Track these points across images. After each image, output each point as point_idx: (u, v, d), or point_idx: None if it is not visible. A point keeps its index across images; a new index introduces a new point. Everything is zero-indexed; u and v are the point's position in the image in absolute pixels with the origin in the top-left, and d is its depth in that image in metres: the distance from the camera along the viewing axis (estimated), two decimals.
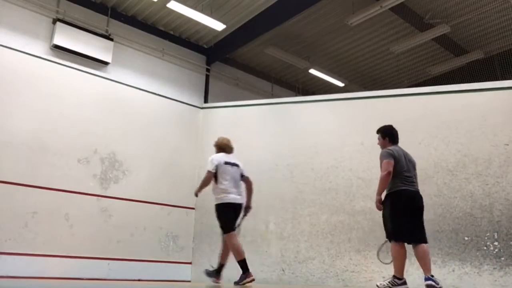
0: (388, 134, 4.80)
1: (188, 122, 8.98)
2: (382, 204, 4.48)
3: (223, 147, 5.51)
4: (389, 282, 4.30)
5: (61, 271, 6.77)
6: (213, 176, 5.21)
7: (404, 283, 4.38)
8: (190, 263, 8.18)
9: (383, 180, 4.45)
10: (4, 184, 6.58)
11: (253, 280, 5.00)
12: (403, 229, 4.32)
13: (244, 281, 4.96)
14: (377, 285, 4.32)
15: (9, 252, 6.42)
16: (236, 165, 5.38)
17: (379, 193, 4.46)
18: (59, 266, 6.78)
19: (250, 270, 5.05)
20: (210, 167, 5.21)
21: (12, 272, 6.24)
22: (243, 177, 5.41)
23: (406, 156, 4.67)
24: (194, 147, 8.78)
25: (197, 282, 7.84)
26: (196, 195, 5.52)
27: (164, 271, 7.80)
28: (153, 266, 7.69)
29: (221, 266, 5.40)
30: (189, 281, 7.93)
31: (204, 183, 5.29)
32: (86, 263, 7.01)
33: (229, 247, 5.20)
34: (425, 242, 4.40)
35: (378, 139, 4.87)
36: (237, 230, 5.20)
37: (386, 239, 4.54)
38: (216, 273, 5.40)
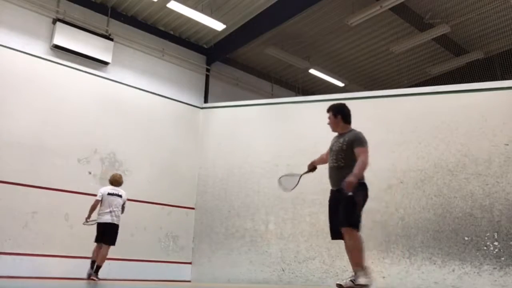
0: (341, 113, 4.26)
1: (188, 122, 8.98)
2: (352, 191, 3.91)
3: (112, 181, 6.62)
4: (352, 280, 3.82)
5: (61, 271, 6.77)
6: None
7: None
8: (190, 263, 8.18)
9: (365, 168, 3.98)
10: (4, 184, 6.58)
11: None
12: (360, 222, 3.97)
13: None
14: (340, 284, 3.79)
15: (9, 252, 6.42)
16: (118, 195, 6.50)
17: (357, 177, 3.89)
18: (59, 266, 6.78)
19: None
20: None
21: (12, 272, 6.24)
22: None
23: None
24: (194, 147, 8.78)
25: (197, 282, 7.84)
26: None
27: (164, 271, 7.80)
28: (153, 266, 7.69)
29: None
30: (189, 281, 7.93)
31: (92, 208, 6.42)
32: (86, 263, 7.00)
33: None
34: None
35: (329, 118, 4.29)
36: None
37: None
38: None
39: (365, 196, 4.07)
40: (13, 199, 6.61)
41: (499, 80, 7.15)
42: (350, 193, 3.87)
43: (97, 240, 6.36)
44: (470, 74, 9.38)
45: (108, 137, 7.80)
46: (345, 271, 6.54)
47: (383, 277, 6.29)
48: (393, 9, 8.78)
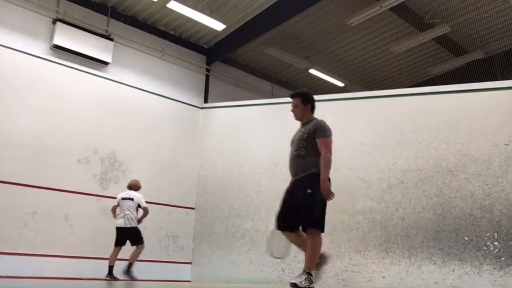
0: (311, 101, 4.00)
1: (188, 122, 8.98)
2: (311, 188, 3.63)
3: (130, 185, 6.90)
4: (306, 279, 3.58)
5: (61, 271, 6.77)
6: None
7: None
8: (190, 263, 8.18)
9: (329, 162, 3.66)
10: (4, 184, 6.58)
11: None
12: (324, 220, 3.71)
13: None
14: (294, 283, 3.54)
15: (9, 252, 6.42)
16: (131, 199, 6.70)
17: (327, 177, 3.62)
18: (59, 266, 6.78)
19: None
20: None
21: (12, 272, 6.24)
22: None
23: None
24: (194, 147, 8.78)
25: (197, 282, 7.84)
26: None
27: (164, 271, 7.80)
28: (153, 266, 7.69)
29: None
30: (189, 281, 7.93)
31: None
32: (86, 263, 7.01)
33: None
34: None
35: (296, 105, 3.98)
36: None
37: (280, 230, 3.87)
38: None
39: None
40: (13, 199, 6.61)
41: (499, 80, 7.15)
42: (309, 191, 3.61)
43: (115, 243, 6.52)
44: (470, 74, 9.38)
45: (108, 137, 7.79)
46: (345, 271, 6.54)
47: (383, 277, 6.29)
48: (393, 9, 8.78)
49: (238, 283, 7.29)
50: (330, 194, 3.63)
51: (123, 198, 6.66)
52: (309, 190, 3.63)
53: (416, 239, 6.19)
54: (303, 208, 3.65)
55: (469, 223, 5.92)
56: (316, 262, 3.75)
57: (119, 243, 6.50)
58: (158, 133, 8.46)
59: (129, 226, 6.52)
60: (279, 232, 3.86)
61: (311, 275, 3.62)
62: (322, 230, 3.72)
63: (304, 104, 3.99)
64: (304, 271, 3.62)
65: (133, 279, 6.45)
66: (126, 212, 6.55)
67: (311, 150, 3.75)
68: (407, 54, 10.24)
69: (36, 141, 7.00)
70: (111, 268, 6.43)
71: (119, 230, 6.51)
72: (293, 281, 3.53)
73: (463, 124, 6.32)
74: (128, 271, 6.42)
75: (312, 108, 4.04)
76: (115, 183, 7.72)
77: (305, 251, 3.78)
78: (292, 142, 3.98)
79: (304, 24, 9.44)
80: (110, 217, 7.45)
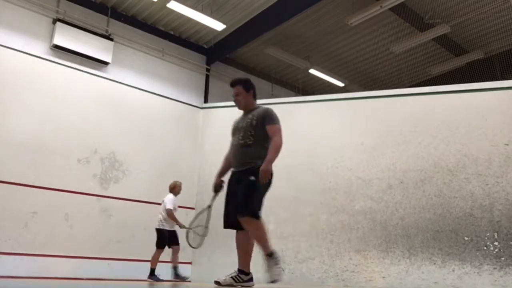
0: (253, 88, 3.87)
1: (188, 122, 8.98)
2: (253, 171, 3.49)
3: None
4: (274, 263, 3.48)
5: (61, 271, 6.77)
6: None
7: (251, 279, 3.71)
8: (190, 263, 8.18)
9: (279, 150, 3.54)
10: (4, 184, 6.58)
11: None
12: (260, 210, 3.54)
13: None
14: (218, 281, 3.49)
15: (9, 252, 6.42)
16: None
17: (272, 162, 3.50)
18: (59, 266, 6.78)
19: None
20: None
21: (12, 272, 6.24)
22: None
23: None
24: (194, 147, 8.78)
25: (197, 282, 7.84)
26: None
27: (164, 271, 7.80)
28: None
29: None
30: (189, 281, 7.92)
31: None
32: (86, 263, 7.01)
33: None
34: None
35: (238, 93, 3.81)
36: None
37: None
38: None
39: (268, 182, 3.58)
40: (13, 199, 6.61)
41: (499, 80, 7.14)
42: (252, 178, 3.43)
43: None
44: (470, 74, 9.38)
45: (108, 137, 7.79)
46: (345, 271, 6.54)
47: (383, 277, 6.29)
48: (393, 9, 8.78)
49: None
50: (267, 177, 3.42)
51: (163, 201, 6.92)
52: (252, 178, 3.45)
53: (416, 239, 6.19)
54: (242, 195, 3.48)
55: (469, 223, 5.92)
56: (267, 241, 3.57)
57: (156, 244, 6.77)
58: (158, 133, 8.46)
59: (156, 227, 6.73)
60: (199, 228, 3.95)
61: (274, 254, 3.52)
62: (257, 218, 3.53)
63: (246, 91, 3.82)
64: (266, 255, 3.50)
65: (182, 279, 6.77)
66: (159, 215, 6.79)
67: (258, 139, 3.57)
68: (407, 54, 10.23)
69: (36, 141, 7.00)
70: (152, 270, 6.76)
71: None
72: (271, 280, 3.42)
73: (463, 124, 6.32)
74: (175, 274, 6.75)
75: (255, 95, 3.88)
76: (115, 183, 7.72)
77: (244, 253, 3.66)
78: (237, 130, 3.75)
79: (304, 24, 9.44)
80: (109, 217, 7.52)
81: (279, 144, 3.53)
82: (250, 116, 3.71)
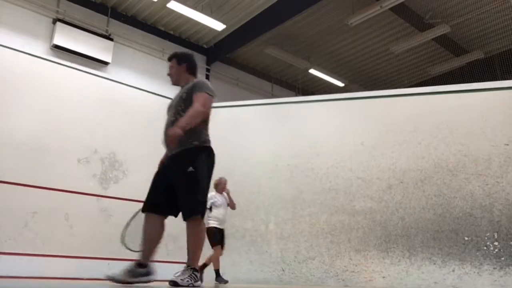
0: (188, 60, 3.59)
1: None
2: (193, 166, 3.13)
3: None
4: (189, 277, 3.10)
5: (61, 271, 6.76)
6: None
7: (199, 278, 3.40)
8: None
9: (197, 117, 3.13)
10: (4, 184, 6.57)
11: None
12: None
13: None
14: (175, 282, 3.02)
15: (9, 252, 6.41)
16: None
17: (184, 128, 3.06)
18: (59, 266, 6.78)
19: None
20: None
21: (12, 272, 6.23)
22: None
23: None
24: None
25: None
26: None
27: (164, 271, 7.79)
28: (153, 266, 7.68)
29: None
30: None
31: None
32: (86, 263, 7.00)
33: None
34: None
35: (171, 67, 3.64)
36: None
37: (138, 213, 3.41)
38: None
39: (210, 166, 3.26)
40: (13, 199, 6.60)
41: (499, 80, 7.15)
42: (190, 169, 3.02)
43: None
44: (470, 74, 9.39)
45: (108, 137, 7.79)
46: (345, 271, 6.55)
47: (383, 277, 6.29)
48: (393, 9, 8.79)
49: (238, 283, 7.29)
50: (171, 142, 3.05)
51: None
52: (190, 169, 3.06)
53: (416, 239, 6.19)
54: (183, 191, 3.08)
55: (469, 223, 5.92)
56: (200, 254, 3.20)
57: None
58: (158, 133, 8.44)
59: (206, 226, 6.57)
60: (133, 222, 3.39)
61: (197, 271, 3.12)
62: (203, 215, 3.18)
63: (178, 64, 3.54)
64: (188, 266, 3.11)
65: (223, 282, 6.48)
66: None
67: None
68: (407, 54, 10.24)
69: (36, 141, 7.00)
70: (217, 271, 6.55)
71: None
72: (174, 279, 3.01)
73: (463, 124, 6.32)
74: (217, 277, 6.52)
75: (191, 70, 3.52)
76: (115, 183, 7.71)
77: (154, 243, 3.34)
78: (169, 108, 3.46)
79: (304, 24, 9.45)
80: (109, 217, 7.48)
81: (198, 111, 3.10)
82: (182, 90, 3.41)
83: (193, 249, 3.18)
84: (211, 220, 6.63)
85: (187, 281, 3.00)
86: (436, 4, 8.84)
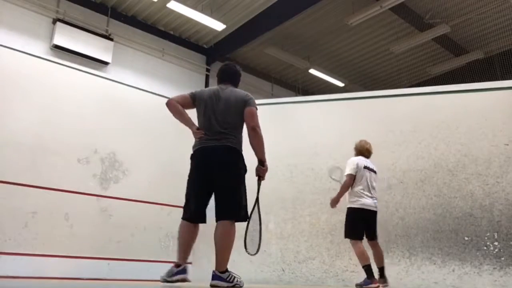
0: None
1: None
2: (238, 159, 3.65)
3: (363, 151, 5.44)
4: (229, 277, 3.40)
5: (61, 271, 6.77)
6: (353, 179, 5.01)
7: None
8: (190, 263, 8.16)
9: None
10: (4, 184, 6.58)
11: (378, 286, 4.96)
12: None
13: (369, 286, 4.98)
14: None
15: (9, 252, 6.42)
16: (374, 171, 5.35)
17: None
18: (59, 266, 6.78)
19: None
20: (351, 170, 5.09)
21: (12, 272, 6.24)
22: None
23: None
24: None
25: (197, 282, 7.83)
26: (334, 205, 5.21)
27: (164, 271, 7.80)
28: (153, 266, 7.67)
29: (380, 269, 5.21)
30: (189, 281, 7.92)
31: (345, 188, 5.18)
32: (86, 263, 7.00)
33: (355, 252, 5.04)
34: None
35: None
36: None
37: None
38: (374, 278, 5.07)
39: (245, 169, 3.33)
40: (13, 199, 6.60)
41: (499, 80, 7.15)
42: (239, 172, 3.08)
43: (360, 235, 5.01)
44: (470, 74, 9.39)
45: (108, 137, 7.79)
46: (345, 271, 6.55)
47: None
48: (393, 9, 8.80)
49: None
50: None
51: (366, 167, 5.08)
52: (238, 171, 3.43)
53: (416, 239, 6.19)
54: (229, 193, 3.27)
55: (469, 223, 5.92)
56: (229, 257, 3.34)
57: (365, 233, 4.94)
58: (158, 133, 8.45)
59: (375, 209, 5.02)
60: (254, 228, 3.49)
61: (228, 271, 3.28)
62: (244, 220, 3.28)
63: None
64: (221, 272, 3.29)
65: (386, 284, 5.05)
66: (374, 190, 5.03)
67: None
68: (407, 54, 10.25)
69: (36, 141, 7.00)
70: (381, 269, 5.10)
71: (368, 213, 4.97)
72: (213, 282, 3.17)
73: (463, 124, 6.32)
74: (381, 276, 5.17)
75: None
76: (115, 183, 7.71)
77: (191, 246, 3.53)
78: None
79: (304, 24, 9.46)
80: (109, 217, 7.47)
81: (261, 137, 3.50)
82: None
83: (224, 251, 3.39)
84: (349, 197, 5.67)
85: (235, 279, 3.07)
86: (436, 4, 8.85)
